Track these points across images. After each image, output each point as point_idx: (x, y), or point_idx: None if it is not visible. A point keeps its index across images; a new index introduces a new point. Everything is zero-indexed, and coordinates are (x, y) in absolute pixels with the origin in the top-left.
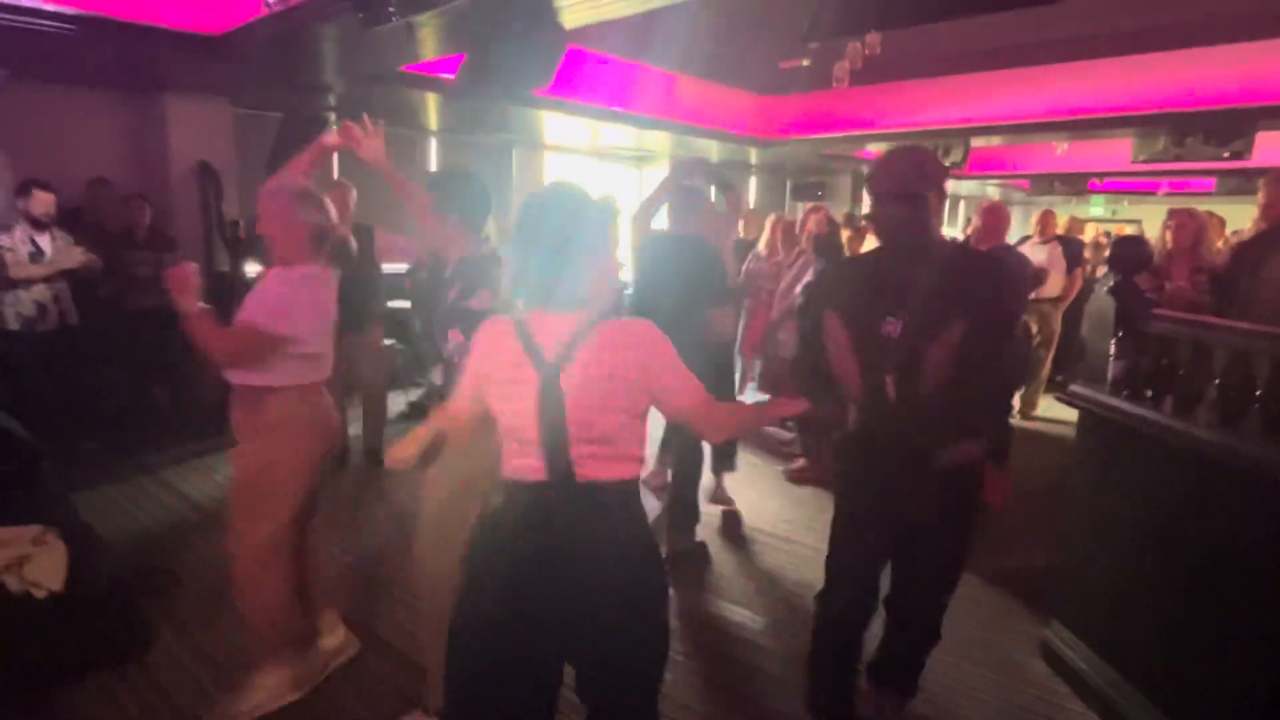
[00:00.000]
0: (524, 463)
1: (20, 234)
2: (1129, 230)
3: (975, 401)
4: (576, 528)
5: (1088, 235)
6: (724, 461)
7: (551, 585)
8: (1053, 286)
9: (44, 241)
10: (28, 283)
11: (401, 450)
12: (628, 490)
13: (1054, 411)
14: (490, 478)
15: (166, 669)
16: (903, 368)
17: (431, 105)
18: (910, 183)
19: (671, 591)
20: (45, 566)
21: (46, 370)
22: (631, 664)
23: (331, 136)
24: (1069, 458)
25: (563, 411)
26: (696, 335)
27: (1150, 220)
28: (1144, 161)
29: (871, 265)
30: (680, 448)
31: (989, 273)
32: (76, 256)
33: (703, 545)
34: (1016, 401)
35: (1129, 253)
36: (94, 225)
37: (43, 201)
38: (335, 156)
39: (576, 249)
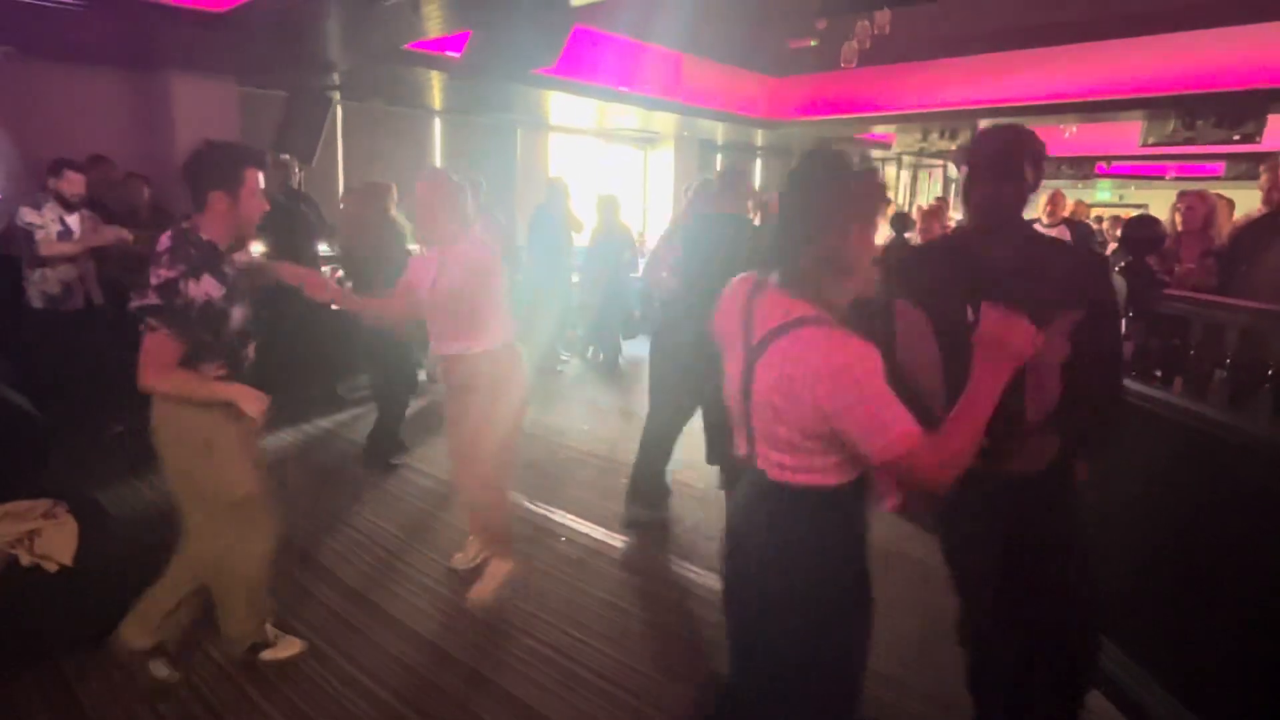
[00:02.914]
0: (737, 436)
1: (50, 213)
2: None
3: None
4: (754, 520)
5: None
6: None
7: (734, 568)
8: None
9: (73, 221)
10: (55, 261)
11: None
12: (812, 499)
13: None
14: None
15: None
16: None
17: (436, 84)
18: (1013, 160)
19: None
20: (56, 540)
21: (69, 350)
22: (765, 685)
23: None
24: None
25: (749, 402)
26: None
27: (1157, 205)
28: (1153, 145)
29: (958, 247)
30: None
31: (1099, 264)
32: (106, 235)
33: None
34: None
35: (1142, 233)
36: (97, 204)
37: (74, 181)
38: (340, 140)
39: (805, 224)
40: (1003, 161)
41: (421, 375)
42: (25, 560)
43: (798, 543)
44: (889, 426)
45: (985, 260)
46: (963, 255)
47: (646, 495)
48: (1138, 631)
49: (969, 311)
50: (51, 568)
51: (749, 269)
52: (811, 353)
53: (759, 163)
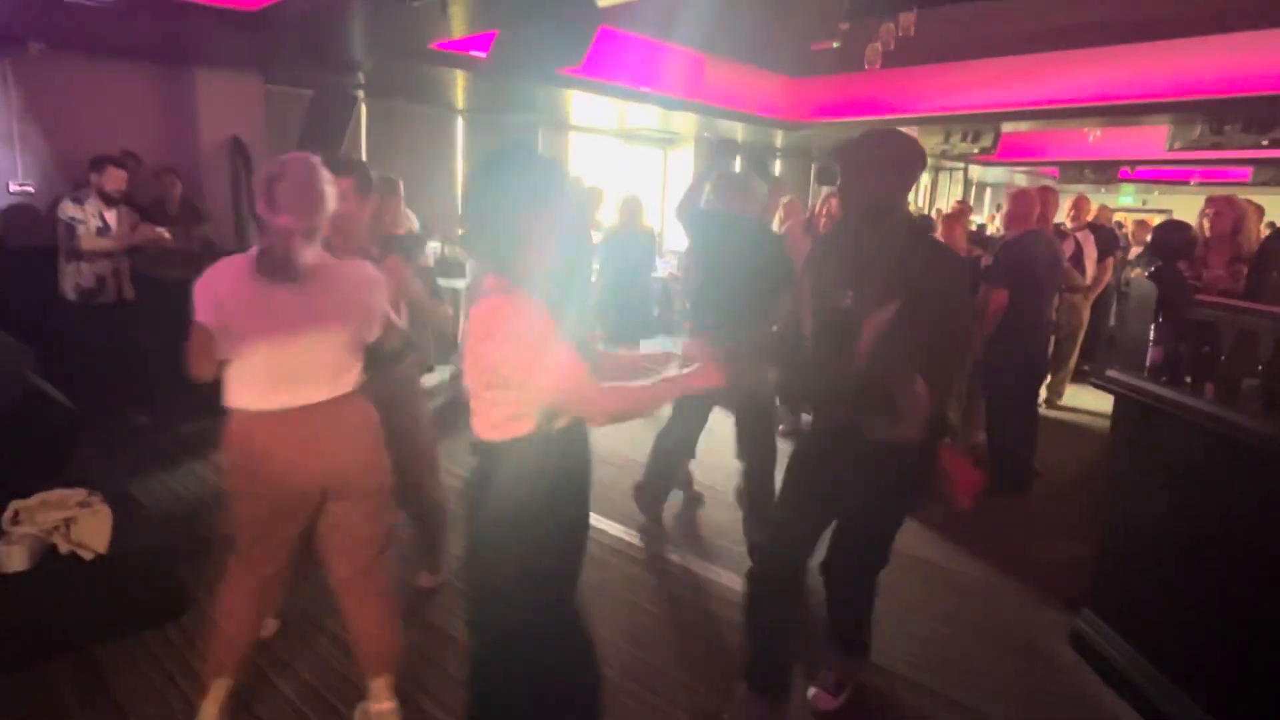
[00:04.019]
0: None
1: (91, 207)
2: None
3: (901, 381)
4: (475, 477)
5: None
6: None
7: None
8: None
9: (111, 217)
10: (93, 255)
11: None
12: (497, 451)
13: (1080, 401)
14: None
15: (203, 630)
16: (842, 339)
17: (460, 83)
18: (877, 166)
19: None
20: (91, 529)
21: (100, 343)
22: (475, 634)
23: None
24: (1097, 446)
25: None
26: (764, 323)
27: (1181, 210)
28: (1179, 149)
29: (840, 237)
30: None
31: (929, 254)
32: (144, 233)
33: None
34: (1043, 391)
35: (1173, 238)
36: (124, 198)
37: (115, 178)
38: (364, 138)
39: (493, 209)
40: (869, 167)
41: (432, 378)
42: (62, 548)
43: (496, 491)
44: (556, 365)
45: (855, 250)
46: (841, 243)
47: (657, 493)
48: (1163, 639)
49: (846, 294)
50: (87, 555)
51: (768, 273)
52: (484, 313)
53: (778, 164)
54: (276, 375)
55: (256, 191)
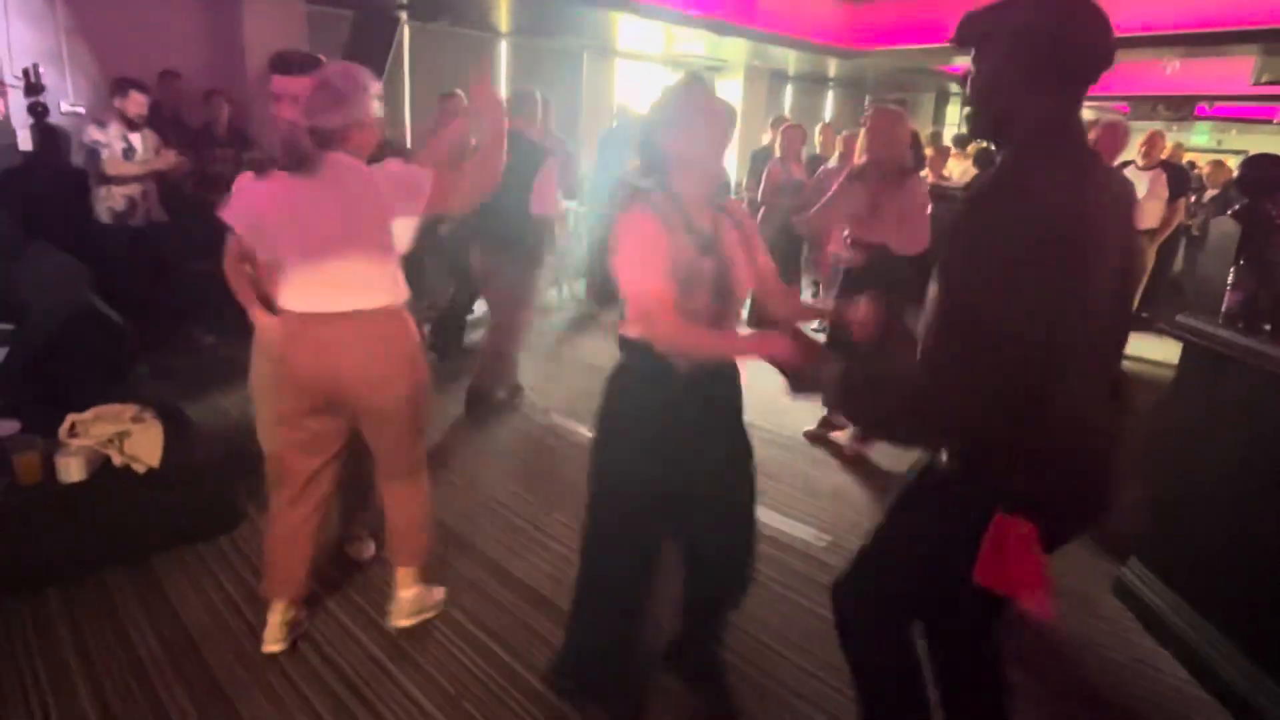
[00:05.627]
0: None
1: (114, 131)
2: (1233, 162)
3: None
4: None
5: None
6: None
7: None
8: (1150, 217)
9: (136, 140)
10: (121, 179)
11: None
12: (624, 344)
13: (1137, 349)
14: None
15: (254, 545)
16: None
17: (504, 5)
18: (1013, 34)
19: None
20: (143, 443)
21: (137, 264)
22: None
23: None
24: (1150, 395)
25: None
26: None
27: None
28: (1267, 83)
29: None
30: None
31: (998, 201)
32: (169, 159)
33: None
34: None
35: (1262, 174)
36: (171, 120)
37: (137, 101)
38: (407, 62)
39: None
40: (991, 43)
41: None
42: (116, 460)
43: (613, 375)
44: (641, 280)
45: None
46: None
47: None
48: (1216, 590)
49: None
50: (140, 469)
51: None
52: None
53: (830, 95)
54: (307, 277)
55: None
